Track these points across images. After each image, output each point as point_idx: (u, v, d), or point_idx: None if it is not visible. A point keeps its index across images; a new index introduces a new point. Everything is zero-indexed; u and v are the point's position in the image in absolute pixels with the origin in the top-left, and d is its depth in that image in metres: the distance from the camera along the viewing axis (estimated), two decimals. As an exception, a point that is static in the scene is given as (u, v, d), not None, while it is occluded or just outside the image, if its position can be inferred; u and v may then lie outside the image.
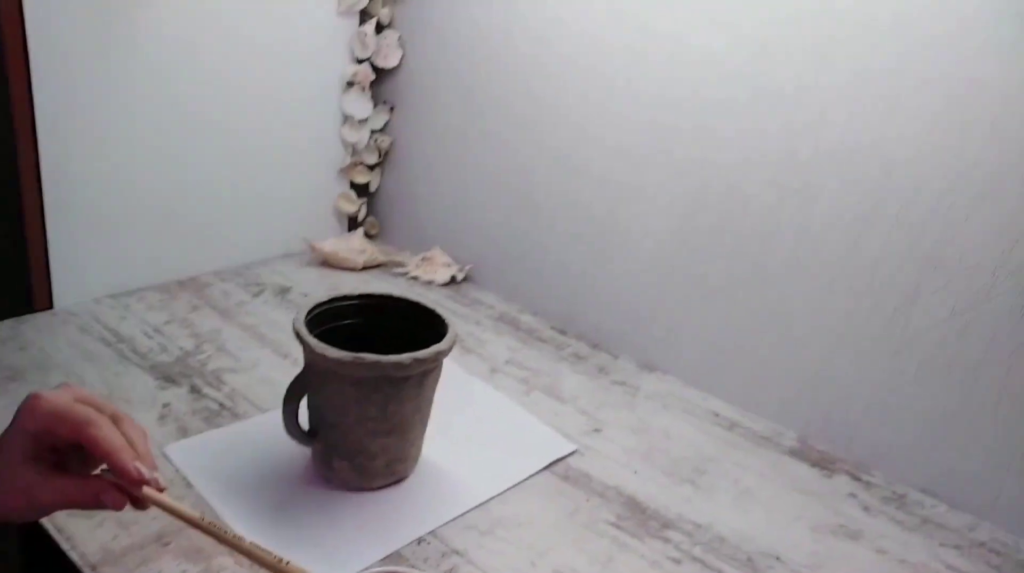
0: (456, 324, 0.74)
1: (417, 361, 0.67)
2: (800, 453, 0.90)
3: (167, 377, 0.87)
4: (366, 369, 0.66)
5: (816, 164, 0.86)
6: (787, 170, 0.88)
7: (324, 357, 0.66)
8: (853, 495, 0.84)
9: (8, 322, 0.94)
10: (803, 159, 0.87)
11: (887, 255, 0.83)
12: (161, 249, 1.08)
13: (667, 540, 0.73)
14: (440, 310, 0.76)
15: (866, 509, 0.82)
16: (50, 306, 0.98)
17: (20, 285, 0.95)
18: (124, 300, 1.03)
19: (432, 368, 0.70)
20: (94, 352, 0.90)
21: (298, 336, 0.68)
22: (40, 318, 0.96)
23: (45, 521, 0.64)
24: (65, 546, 0.63)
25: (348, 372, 0.66)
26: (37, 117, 0.90)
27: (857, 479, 0.87)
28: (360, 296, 0.78)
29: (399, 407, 0.69)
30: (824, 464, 0.89)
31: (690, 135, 0.95)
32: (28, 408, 0.51)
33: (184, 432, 0.78)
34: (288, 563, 0.52)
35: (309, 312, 0.73)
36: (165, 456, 0.74)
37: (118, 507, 0.53)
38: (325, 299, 0.76)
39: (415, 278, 1.23)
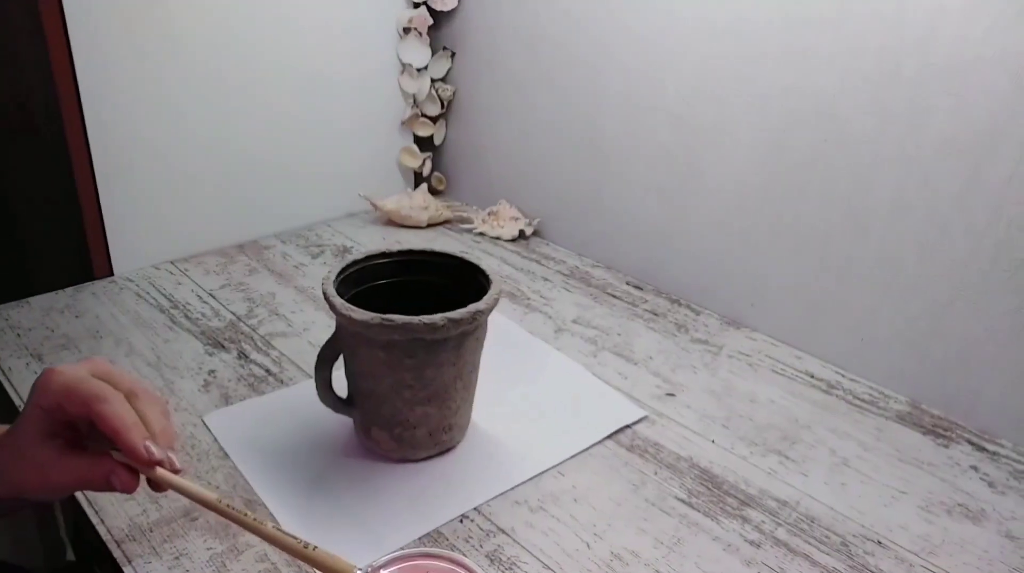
0: (500, 281, 0.66)
1: (452, 322, 0.60)
2: (910, 418, 0.79)
3: (216, 342, 0.84)
4: (396, 331, 0.60)
5: (925, 81, 0.73)
6: (889, 91, 0.75)
7: (351, 319, 0.60)
8: (975, 468, 0.72)
9: (68, 290, 0.93)
10: (909, 76, 0.74)
11: (1015, 186, 0.70)
12: (219, 213, 1.06)
13: (746, 519, 0.64)
14: (485, 265, 0.69)
15: (991, 485, 0.70)
16: (110, 274, 0.97)
17: (80, 254, 0.94)
18: (183, 265, 1.01)
19: (472, 329, 0.63)
20: (147, 319, 0.88)
21: (325, 297, 0.63)
22: (99, 285, 0.95)
23: (78, 494, 0.62)
24: (94, 520, 0.60)
25: (377, 335, 0.60)
26: (80, 84, 0.87)
27: (980, 449, 0.74)
28: (400, 253, 0.72)
29: (437, 372, 0.63)
30: (939, 431, 0.77)
31: (774, 59, 0.83)
32: (42, 383, 0.48)
33: (227, 400, 0.75)
34: (315, 548, 0.47)
35: (342, 271, 0.67)
36: (204, 425, 0.71)
37: (128, 489, 0.49)
38: (360, 257, 0.70)
39: (482, 234, 1.16)
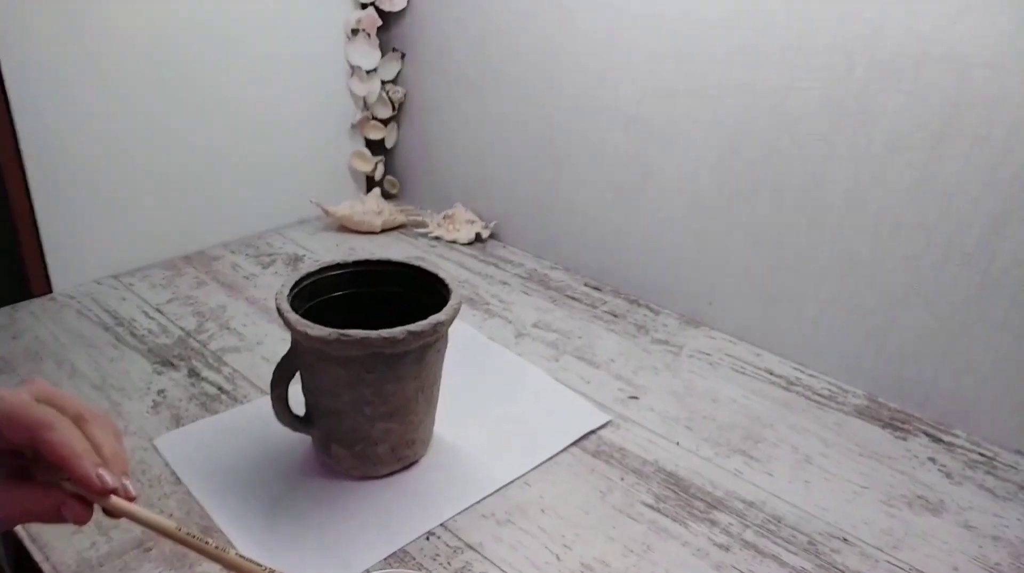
0: (460, 290, 0.65)
1: (413, 335, 0.58)
2: (869, 412, 0.80)
3: (164, 361, 0.81)
4: (354, 347, 0.58)
5: (875, 79, 0.74)
6: (840, 88, 0.76)
7: (307, 335, 0.58)
8: (932, 459, 0.73)
9: (5, 310, 0.89)
10: (859, 74, 0.74)
11: (964, 180, 0.71)
12: (164, 224, 1.02)
13: (714, 523, 0.64)
14: (444, 274, 0.67)
15: (948, 476, 0.71)
16: (49, 291, 0.93)
17: (15, 271, 0.90)
18: (127, 280, 0.97)
19: (433, 341, 0.62)
20: (90, 337, 0.84)
21: (279, 312, 0.61)
22: (37, 304, 0.91)
23: (19, 529, 0.59)
24: (38, 557, 0.57)
25: (335, 351, 0.58)
26: (8, 90, 0.83)
27: (937, 440, 0.76)
28: (355, 263, 0.70)
29: (398, 387, 0.61)
30: (897, 424, 0.78)
31: (725, 57, 0.83)
32: None
33: (178, 421, 0.72)
34: None
35: (296, 284, 0.65)
36: (154, 448, 0.68)
37: (81, 521, 0.46)
38: (314, 269, 0.68)
39: (438, 238, 1.14)
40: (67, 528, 0.59)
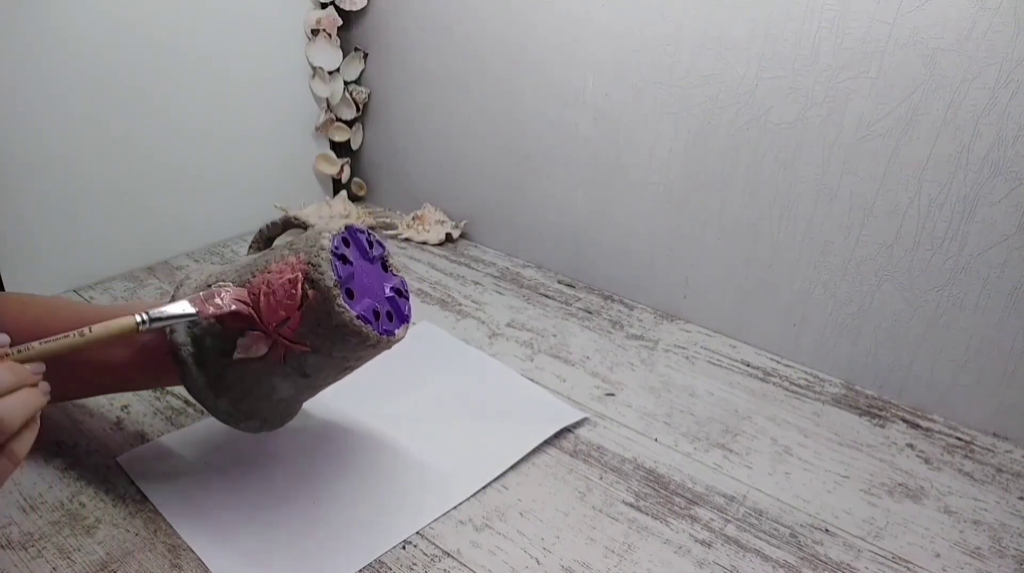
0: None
1: None
2: (846, 401, 0.79)
3: (128, 375, 0.78)
4: None
5: (841, 66, 0.73)
6: (808, 76, 0.75)
7: None
8: (911, 445, 0.73)
9: (-41, 328, 0.86)
10: (826, 61, 0.74)
11: (934, 165, 0.71)
12: (125, 235, 0.99)
13: (695, 519, 0.63)
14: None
15: (927, 461, 0.71)
16: (5, 306, 0.90)
17: (-32, 286, 0.87)
18: (87, 293, 0.94)
19: None
20: (49, 353, 0.81)
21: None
22: (-7, 320, 0.88)
23: (-23, 555, 0.56)
24: (-3, 584, 0.55)
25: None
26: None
27: (915, 426, 0.76)
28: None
29: None
30: (875, 411, 0.78)
31: (691, 47, 0.82)
32: None
33: (142, 437, 0.70)
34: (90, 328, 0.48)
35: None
36: (119, 467, 0.66)
37: None
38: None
39: (407, 240, 1.12)
40: (26, 553, 0.56)
